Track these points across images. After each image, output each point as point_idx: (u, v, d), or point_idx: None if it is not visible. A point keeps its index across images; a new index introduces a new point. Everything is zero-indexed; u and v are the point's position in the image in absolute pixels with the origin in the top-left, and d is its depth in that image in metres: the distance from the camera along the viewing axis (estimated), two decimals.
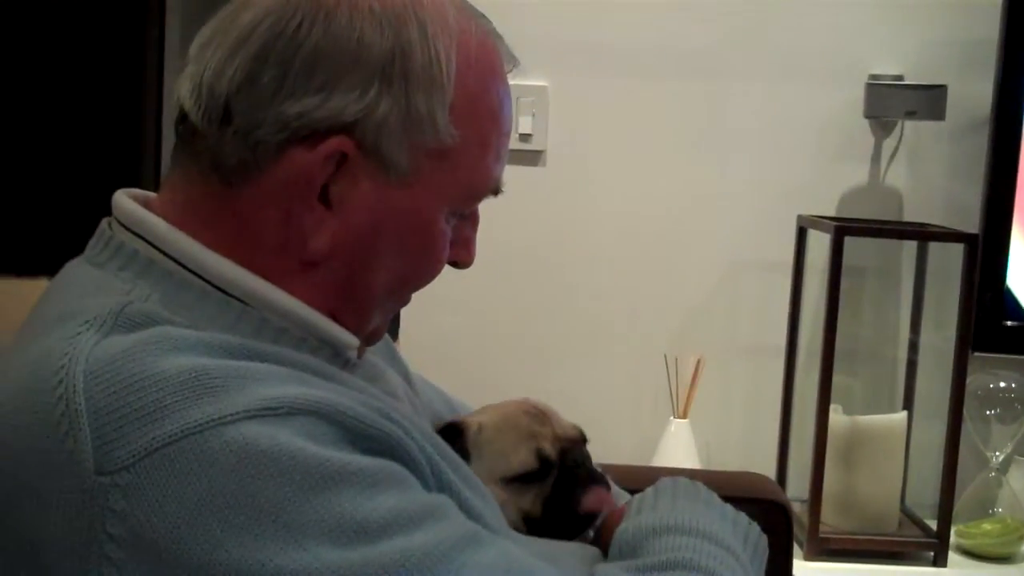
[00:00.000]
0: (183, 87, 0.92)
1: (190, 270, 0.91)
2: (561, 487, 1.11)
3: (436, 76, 0.92)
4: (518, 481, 1.10)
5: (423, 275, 1.00)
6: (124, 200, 0.95)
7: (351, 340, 0.98)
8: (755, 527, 1.08)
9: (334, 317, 0.97)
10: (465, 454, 1.09)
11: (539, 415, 1.15)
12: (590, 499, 1.10)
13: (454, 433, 1.11)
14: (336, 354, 0.97)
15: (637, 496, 1.08)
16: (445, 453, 0.95)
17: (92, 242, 0.96)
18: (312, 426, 0.81)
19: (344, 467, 0.80)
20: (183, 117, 0.93)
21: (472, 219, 1.03)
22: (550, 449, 1.12)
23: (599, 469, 1.17)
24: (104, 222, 0.96)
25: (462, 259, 1.04)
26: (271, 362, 0.86)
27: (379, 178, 0.92)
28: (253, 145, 0.90)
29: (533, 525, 1.10)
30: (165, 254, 0.91)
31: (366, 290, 0.97)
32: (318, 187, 0.91)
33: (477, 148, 0.96)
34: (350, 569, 0.77)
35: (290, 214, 0.91)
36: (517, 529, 1.07)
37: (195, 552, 0.76)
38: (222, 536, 0.76)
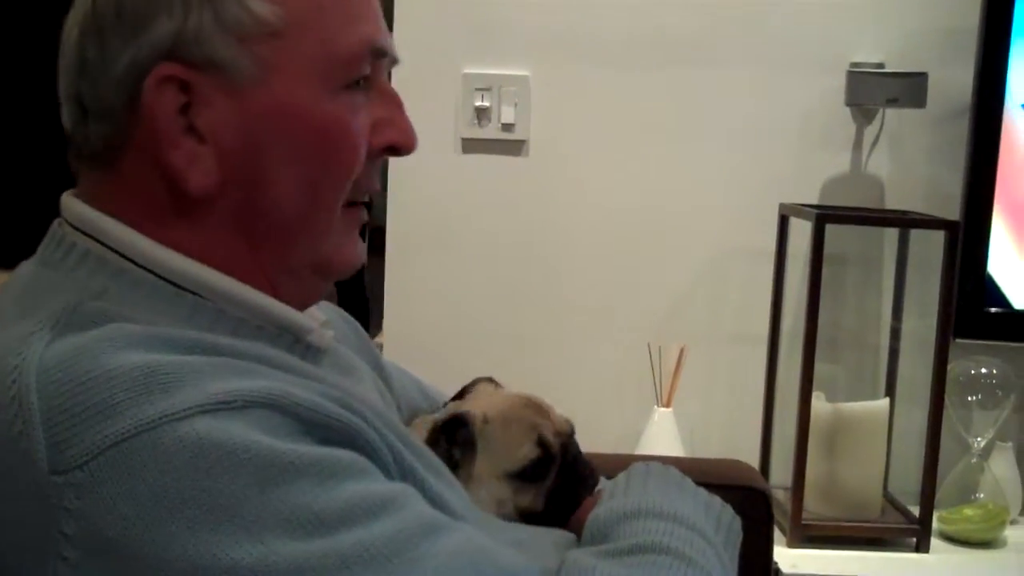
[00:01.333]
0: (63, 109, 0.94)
1: (141, 266, 0.90)
2: (564, 480, 1.12)
3: None
4: (522, 476, 1.10)
5: (335, 168, 0.94)
6: (72, 201, 0.94)
7: (307, 323, 0.97)
8: (728, 509, 1.08)
9: (270, 266, 0.94)
10: (471, 445, 1.10)
11: (538, 407, 1.16)
12: (588, 502, 1.11)
13: (458, 424, 1.11)
14: (296, 341, 0.96)
15: (610, 482, 1.09)
16: (408, 441, 0.94)
17: (44, 243, 0.95)
18: (267, 418, 0.80)
19: (300, 458, 0.79)
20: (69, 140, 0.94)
21: (382, 96, 0.98)
22: (553, 441, 1.13)
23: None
24: (55, 223, 0.95)
25: (394, 140, 0.98)
26: (226, 355, 0.85)
27: (229, 88, 0.90)
28: (107, 116, 0.90)
29: (532, 520, 1.10)
30: (116, 251, 0.91)
31: (277, 211, 0.93)
32: (174, 122, 0.89)
33: (315, 13, 0.92)
34: (308, 561, 0.76)
35: (161, 159, 0.90)
36: None
37: (150, 549, 0.75)
38: (177, 532, 0.75)
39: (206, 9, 0.88)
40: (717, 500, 1.08)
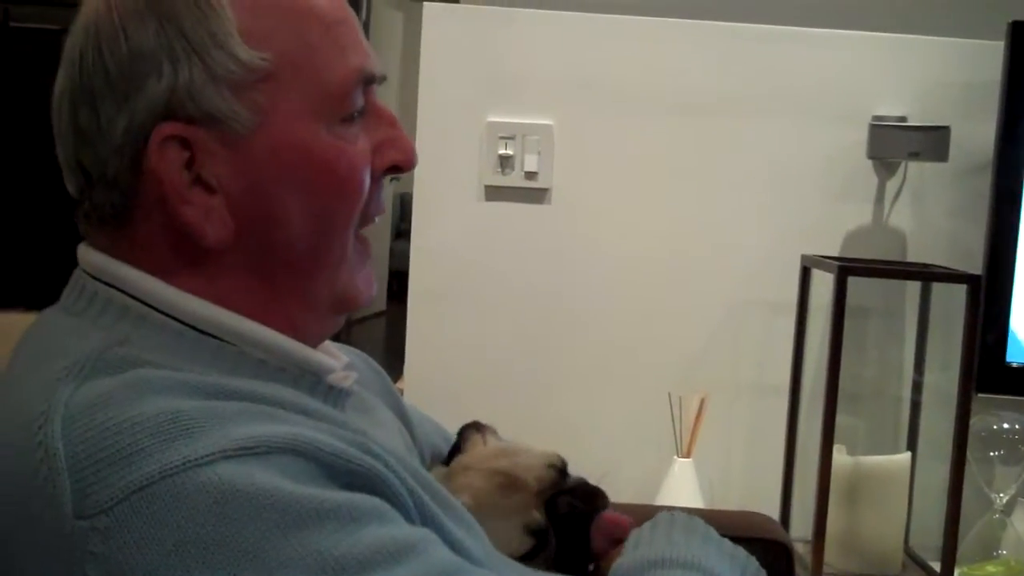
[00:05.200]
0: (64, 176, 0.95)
1: (163, 312, 0.92)
2: (565, 540, 1.11)
3: (211, 16, 0.90)
4: (523, 559, 1.09)
5: (342, 198, 0.96)
6: (89, 252, 0.96)
7: (329, 364, 0.98)
8: (753, 561, 1.08)
9: (291, 305, 0.96)
10: None
11: (511, 483, 1.12)
12: (598, 538, 1.10)
13: None
14: (317, 382, 0.97)
15: (635, 531, 1.09)
16: (429, 486, 0.95)
17: (67, 291, 0.97)
18: (289, 464, 0.81)
19: (322, 504, 0.80)
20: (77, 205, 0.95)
21: (378, 118, 0.99)
22: (538, 517, 1.11)
23: (590, 484, 1.16)
24: (76, 271, 0.97)
25: (397, 160, 1.00)
26: (248, 400, 0.86)
27: (229, 137, 0.91)
28: (113, 183, 0.91)
29: None
30: (137, 299, 0.92)
31: (292, 250, 0.95)
32: (179, 180, 0.90)
33: (302, 52, 0.93)
34: None
35: (176, 218, 0.91)
36: None
37: None
38: None
39: (195, 64, 0.89)
40: (742, 551, 1.08)
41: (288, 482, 0.79)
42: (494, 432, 1.24)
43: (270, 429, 0.82)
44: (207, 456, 0.78)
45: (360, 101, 0.97)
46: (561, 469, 1.15)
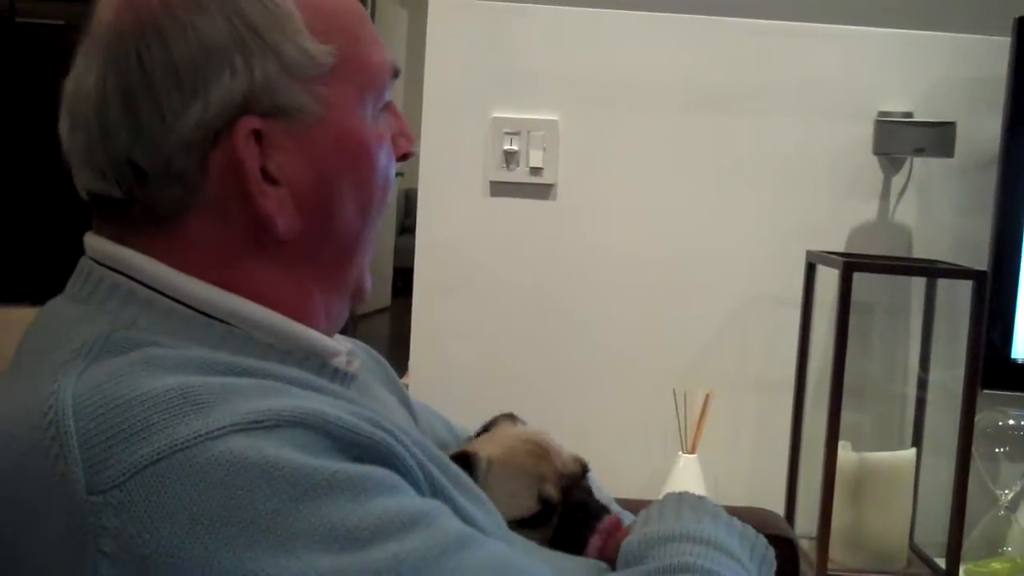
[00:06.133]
0: (83, 177, 0.94)
1: (171, 297, 0.92)
2: (566, 528, 1.12)
3: (279, 13, 0.92)
4: (521, 524, 1.10)
5: (382, 186, 1.01)
6: (96, 240, 0.96)
7: (334, 347, 0.99)
8: (762, 539, 1.08)
9: (329, 290, 0.98)
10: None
11: (541, 452, 1.15)
12: (594, 541, 1.10)
13: (463, 463, 1.11)
14: (323, 365, 0.98)
15: (643, 511, 1.09)
16: (438, 460, 0.96)
17: (72, 280, 0.97)
18: (300, 436, 0.82)
19: (333, 475, 0.80)
20: (100, 199, 0.94)
21: (391, 109, 1.03)
22: (553, 491, 1.12)
23: (604, 497, 1.17)
24: (82, 260, 0.97)
25: (406, 149, 1.05)
26: (257, 377, 0.87)
27: (298, 131, 0.93)
28: (177, 178, 0.91)
29: None
30: (144, 284, 0.92)
31: (342, 237, 0.98)
32: (257, 172, 0.92)
33: (353, 46, 0.97)
34: (343, 574, 0.77)
35: (247, 212, 0.92)
36: None
37: (188, 566, 0.76)
38: (214, 549, 0.76)
39: (270, 59, 0.91)
40: (751, 530, 1.08)
41: (299, 454, 0.80)
42: (524, 424, 1.25)
43: (280, 403, 0.83)
44: (218, 430, 0.79)
45: (391, 93, 1.02)
46: (584, 468, 1.17)
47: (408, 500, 0.85)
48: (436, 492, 0.91)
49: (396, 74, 1.02)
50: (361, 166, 0.98)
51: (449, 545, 0.83)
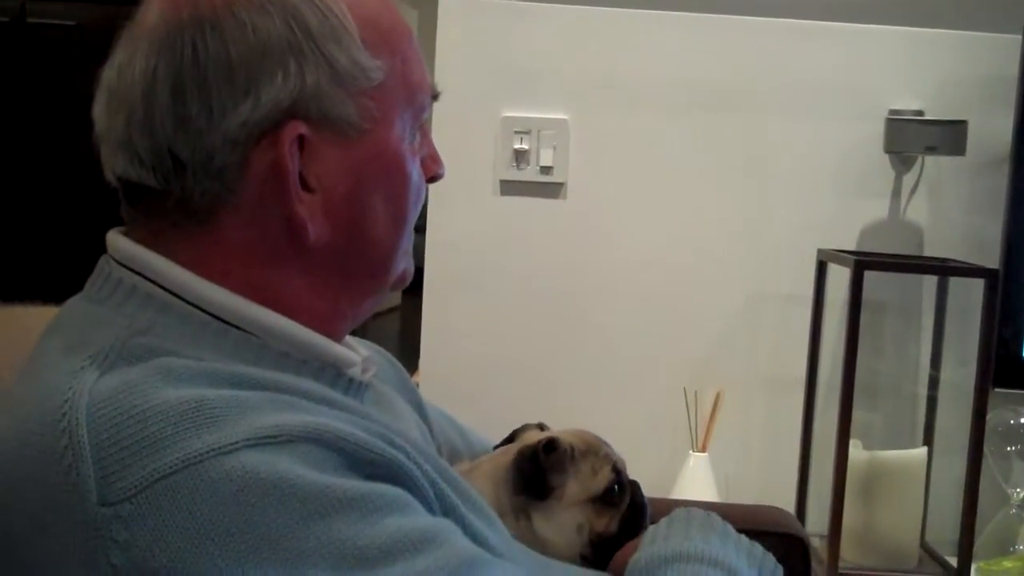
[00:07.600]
0: (116, 162, 0.93)
1: (188, 302, 0.92)
2: (633, 507, 1.17)
3: (336, 24, 0.93)
4: (604, 499, 1.14)
5: (415, 202, 1.01)
6: (118, 239, 0.96)
7: (349, 358, 0.99)
8: (770, 558, 1.08)
9: (359, 297, 0.99)
10: (563, 469, 1.13)
11: (601, 440, 1.20)
12: (632, 544, 1.13)
13: (551, 449, 1.14)
14: (339, 375, 0.97)
15: (651, 527, 1.09)
16: (450, 478, 0.95)
17: (91, 279, 0.97)
18: (312, 453, 0.82)
19: (345, 493, 0.80)
20: (131, 186, 0.93)
21: (423, 131, 1.04)
22: (623, 468, 1.18)
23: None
24: (102, 259, 0.97)
25: (436, 172, 1.06)
26: (271, 390, 0.87)
27: (340, 141, 0.93)
28: (216, 174, 0.90)
29: (602, 547, 1.13)
30: (163, 288, 0.92)
31: (373, 249, 0.98)
32: (296, 177, 0.92)
33: (401, 64, 0.97)
34: None
35: (282, 215, 0.92)
36: (584, 556, 1.11)
37: None
38: (224, 565, 0.76)
39: (322, 66, 0.91)
40: (759, 548, 1.08)
41: (311, 471, 0.80)
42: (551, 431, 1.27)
43: (293, 418, 0.83)
44: (231, 445, 0.79)
45: (430, 112, 1.02)
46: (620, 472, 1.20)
47: (419, 520, 0.85)
48: (447, 510, 0.91)
49: (436, 96, 1.03)
50: (396, 182, 0.98)
51: (459, 566, 0.83)
